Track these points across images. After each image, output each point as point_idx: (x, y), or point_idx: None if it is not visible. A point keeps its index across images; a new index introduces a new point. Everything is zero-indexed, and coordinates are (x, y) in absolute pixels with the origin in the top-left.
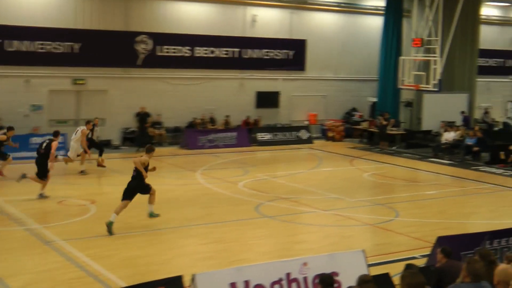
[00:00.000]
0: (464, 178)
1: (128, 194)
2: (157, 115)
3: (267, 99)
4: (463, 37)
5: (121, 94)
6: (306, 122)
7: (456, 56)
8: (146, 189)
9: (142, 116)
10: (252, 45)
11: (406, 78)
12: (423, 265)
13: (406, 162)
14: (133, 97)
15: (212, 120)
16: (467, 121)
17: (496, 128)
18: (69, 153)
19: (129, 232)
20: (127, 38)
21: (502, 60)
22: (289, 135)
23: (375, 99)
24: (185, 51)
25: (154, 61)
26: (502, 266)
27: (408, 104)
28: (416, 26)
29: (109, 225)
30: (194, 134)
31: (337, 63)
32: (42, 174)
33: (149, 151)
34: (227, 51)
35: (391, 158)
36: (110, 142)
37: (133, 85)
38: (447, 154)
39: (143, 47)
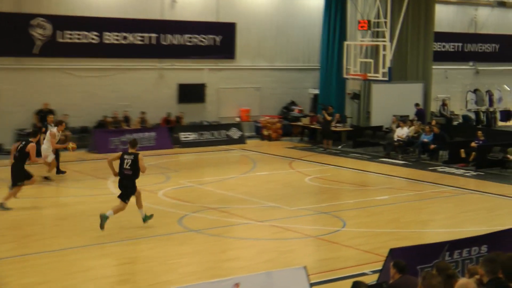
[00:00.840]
0: (420, 181)
1: (122, 193)
2: (63, 114)
3: (191, 93)
4: (416, 18)
5: (14, 88)
6: (237, 119)
7: (409, 41)
8: (131, 192)
9: (45, 114)
10: (172, 29)
11: (352, 67)
12: (373, 282)
13: (354, 163)
14: (29, 92)
15: (126, 119)
16: (422, 114)
17: (455, 123)
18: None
19: (26, 254)
20: (19, 22)
21: (461, 44)
22: (218, 134)
23: (316, 91)
24: (92, 37)
25: (54, 49)
26: (462, 281)
27: (355, 96)
28: (362, 6)
29: (103, 219)
30: (105, 135)
31: (272, 50)
32: (16, 179)
33: (135, 144)
34: (142, 37)
35: (337, 159)
36: (1, 146)
37: (29, 78)
38: (400, 153)
39: (40, 32)
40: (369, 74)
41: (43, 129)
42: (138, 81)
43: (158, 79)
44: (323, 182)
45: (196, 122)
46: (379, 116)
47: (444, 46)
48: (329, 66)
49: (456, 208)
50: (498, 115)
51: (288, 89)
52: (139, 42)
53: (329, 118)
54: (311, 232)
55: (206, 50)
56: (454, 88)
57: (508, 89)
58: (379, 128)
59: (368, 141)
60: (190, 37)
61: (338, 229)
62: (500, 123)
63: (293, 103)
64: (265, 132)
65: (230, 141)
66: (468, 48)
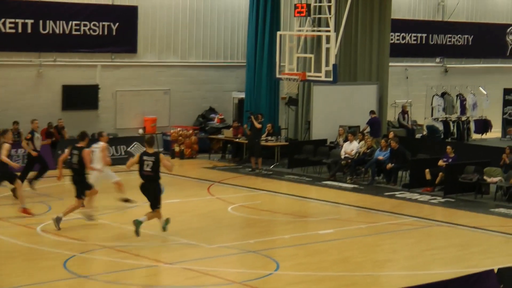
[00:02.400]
0: (374, 210)
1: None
2: None
3: (79, 97)
4: (367, 2)
5: None
6: (141, 131)
7: (359, 30)
8: (158, 197)
9: None
10: (54, 14)
11: (287, 64)
12: None
13: (290, 188)
14: None
15: None
16: (377, 125)
17: (418, 135)
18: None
19: None
20: None
21: (425, 35)
22: (115, 150)
23: (242, 95)
24: None
25: None
26: None
27: (291, 101)
28: None
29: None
30: None
31: (185, 42)
32: (81, 192)
33: (153, 142)
34: (14, 23)
35: (268, 182)
36: None
37: None
38: (349, 174)
39: None
40: (308, 73)
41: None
42: (9, 81)
43: (36, 79)
44: (251, 212)
45: None
46: (322, 127)
47: (404, 38)
48: (258, 63)
49: (420, 245)
50: (472, 126)
51: (206, 92)
52: (10, 31)
53: (259, 126)
54: (235, 276)
55: (99, 41)
56: (417, 91)
57: (485, 92)
58: (322, 142)
59: (308, 159)
60: (78, 24)
61: (270, 273)
62: (474, 136)
63: (212, 110)
64: (177, 148)
65: None
66: (434, 40)
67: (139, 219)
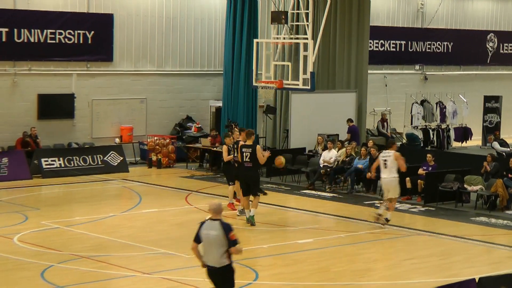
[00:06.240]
0: (354, 219)
1: (245, 188)
2: None
3: (55, 106)
4: (346, 9)
5: None
6: (117, 140)
7: (337, 38)
8: (258, 185)
9: None
10: (29, 22)
11: (264, 71)
12: None
13: (268, 197)
14: None
15: None
16: (355, 133)
17: (398, 143)
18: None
19: None
20: None
21: (404, 42)
22: (92, 160)
23: (219, 104)
24: None
25: None
26: None
27: (269, 109)
28: None
29: (251, 219)
30: None
31: (161, 50)
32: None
33: (252, 134)
34: None
35: None
36: None
37: None
38: (328, 183)
39: None
40: (286, 81)
41: None
42: None
43: (11, 88)
44: (230, 221)
45: (62, 145)
46: (300, 136)
47: (383, 45)
48: (235, 71)
49: (400, 254)
50: (452, 134)
51: (183, 100)
52: None
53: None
54: None
55: (75, 49)
56: (396, 99)
57: (465, 100)
58: (301, 151)
59: (286, 167)
60: (53, 33)
61: (249, 282)
62: (455, 144)
63: (189, 118)
64: (154, 157)
65: (107, 168)
66: (413, 47)
67: (250, 215)
